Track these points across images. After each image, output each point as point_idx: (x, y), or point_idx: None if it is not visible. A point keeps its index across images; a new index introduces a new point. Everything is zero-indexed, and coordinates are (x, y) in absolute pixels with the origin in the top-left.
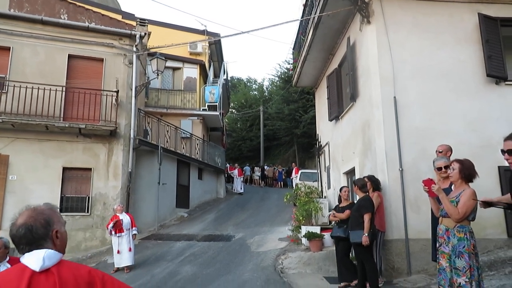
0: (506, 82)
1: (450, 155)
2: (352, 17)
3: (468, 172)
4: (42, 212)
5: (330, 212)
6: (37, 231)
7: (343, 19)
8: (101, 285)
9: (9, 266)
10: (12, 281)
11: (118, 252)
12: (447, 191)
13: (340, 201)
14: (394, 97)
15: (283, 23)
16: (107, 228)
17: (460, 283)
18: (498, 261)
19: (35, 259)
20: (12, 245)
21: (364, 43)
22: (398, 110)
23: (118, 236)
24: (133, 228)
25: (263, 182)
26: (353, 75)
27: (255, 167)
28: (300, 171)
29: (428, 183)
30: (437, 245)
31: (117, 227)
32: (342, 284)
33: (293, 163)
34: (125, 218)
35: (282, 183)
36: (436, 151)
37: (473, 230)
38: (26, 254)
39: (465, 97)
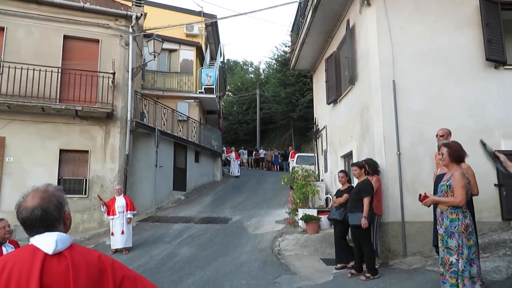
0: (505, 67)
1: (450, 139)
2: None
3: (457, 153)
4: (54, 194)
5: (328, 195)
6: (52, 212)
7: (342, 1)
8: (111, 271)
9: (12, 247)
10: (25, 263)
11: (112, 234)
12: None
13: None
14: (393, 80)
15: (282, 4)
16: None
17: (452, 261)
18: (492, 244)
19: (48, 242)
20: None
21: (363, 26)
22: (397, 94)
23: (111, 219)
24: (128, 212)
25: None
26: (352, 58)
27: (254, 152)
28: (296, 155)
29: (424, 199)
30: (438, 227)
31: (104, 204)
32: (339, 265)
33: (290, 147)
34: (119, 200)
35: (278, 166)
36: (437, 135)
37: (467, 209)
38: (37, 236)
39: (464, 81)
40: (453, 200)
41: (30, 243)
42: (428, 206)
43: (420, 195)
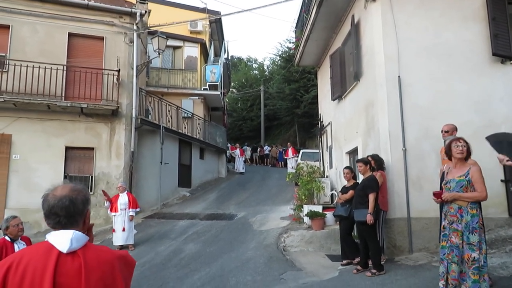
0: None
1: (455, 134)
2: None
3: (470, 149)
4: (82, 190)
5: (333, 191)
6: (79, 205)
7: None
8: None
9: (23, 243)
10: (39, 260)
11: (113, 230)
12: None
13: None
14: (399, 76)
15: (286, 0)
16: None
17: (474, 257)
18: (499, 240)
19: (63, 240)
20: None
21: (368, 21)
22: (402, 89)
23: (114, 215)
24: (131, 209)
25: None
26: (357, 54)
27: (259, 148)
28: (301, 151)
29: (438, 195)
30: (446, 223)
31: (108, 200)
32: (345, 261)
33: (288, 143)
34: (122, 198)
35: (283, 163)
36: (442, 130)
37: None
38: (53, 233)
39: (470, 76)
40: (478, 194)
41: (46, 240)
42: (449, 202)
43: (433, 193)
